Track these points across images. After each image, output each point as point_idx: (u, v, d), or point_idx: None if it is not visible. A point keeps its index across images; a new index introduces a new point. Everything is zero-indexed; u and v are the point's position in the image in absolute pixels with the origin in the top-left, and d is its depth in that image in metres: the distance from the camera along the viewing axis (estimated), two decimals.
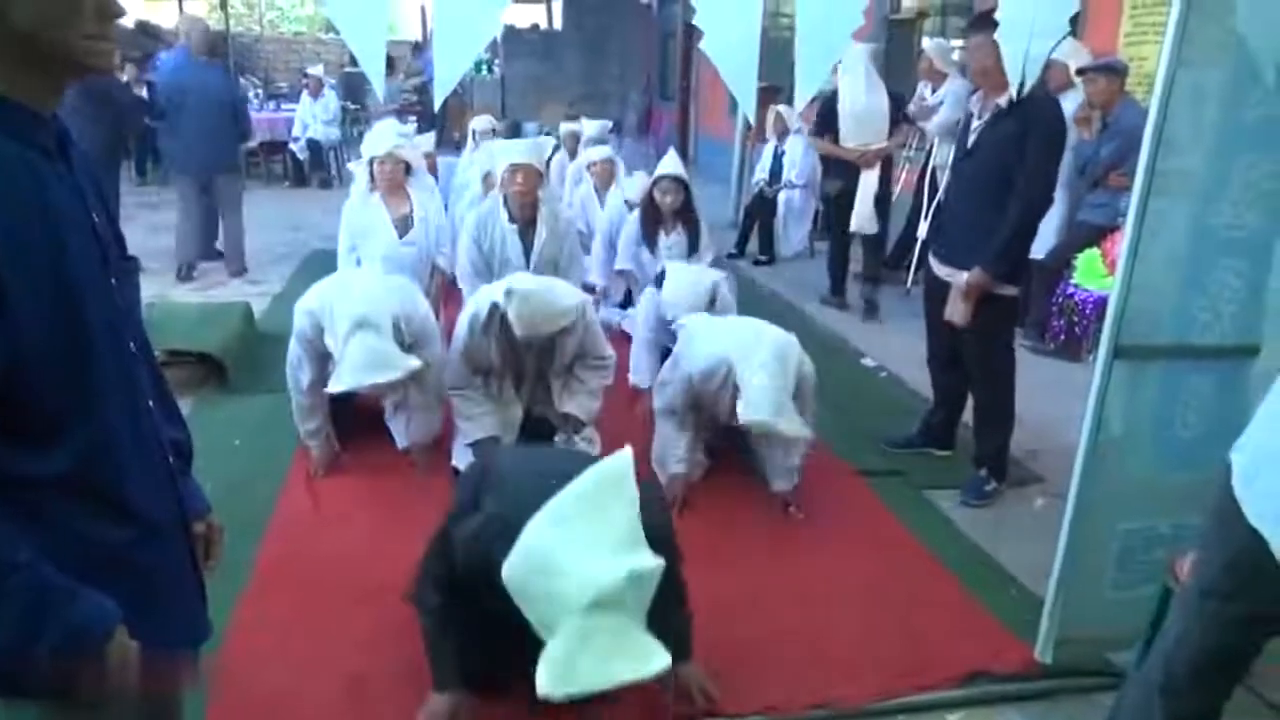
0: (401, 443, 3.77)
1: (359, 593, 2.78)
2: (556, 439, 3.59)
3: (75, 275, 1.12)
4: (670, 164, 4.85)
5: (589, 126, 7.21)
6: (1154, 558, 2.46)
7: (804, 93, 2.36)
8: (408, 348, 3.34)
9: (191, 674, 1.41)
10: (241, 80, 11.27)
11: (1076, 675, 2.55)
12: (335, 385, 3.19)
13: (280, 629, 2.63)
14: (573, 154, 7.31)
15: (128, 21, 9.18)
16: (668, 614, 2.22)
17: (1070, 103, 5.04)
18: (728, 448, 3.76)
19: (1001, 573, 3.08)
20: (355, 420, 3.88)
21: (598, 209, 5.86)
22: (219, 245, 6.84)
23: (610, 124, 7.68)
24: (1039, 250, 4.88)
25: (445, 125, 11.05)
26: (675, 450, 3.49)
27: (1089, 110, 5.02)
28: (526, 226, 4.27)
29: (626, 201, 5.44)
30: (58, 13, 1.08)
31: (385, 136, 4.49)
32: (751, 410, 3.01)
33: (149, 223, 6.82)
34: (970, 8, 6.95)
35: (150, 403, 1.31)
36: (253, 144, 10.65)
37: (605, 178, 5.98)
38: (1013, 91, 3.14)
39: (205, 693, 2.21)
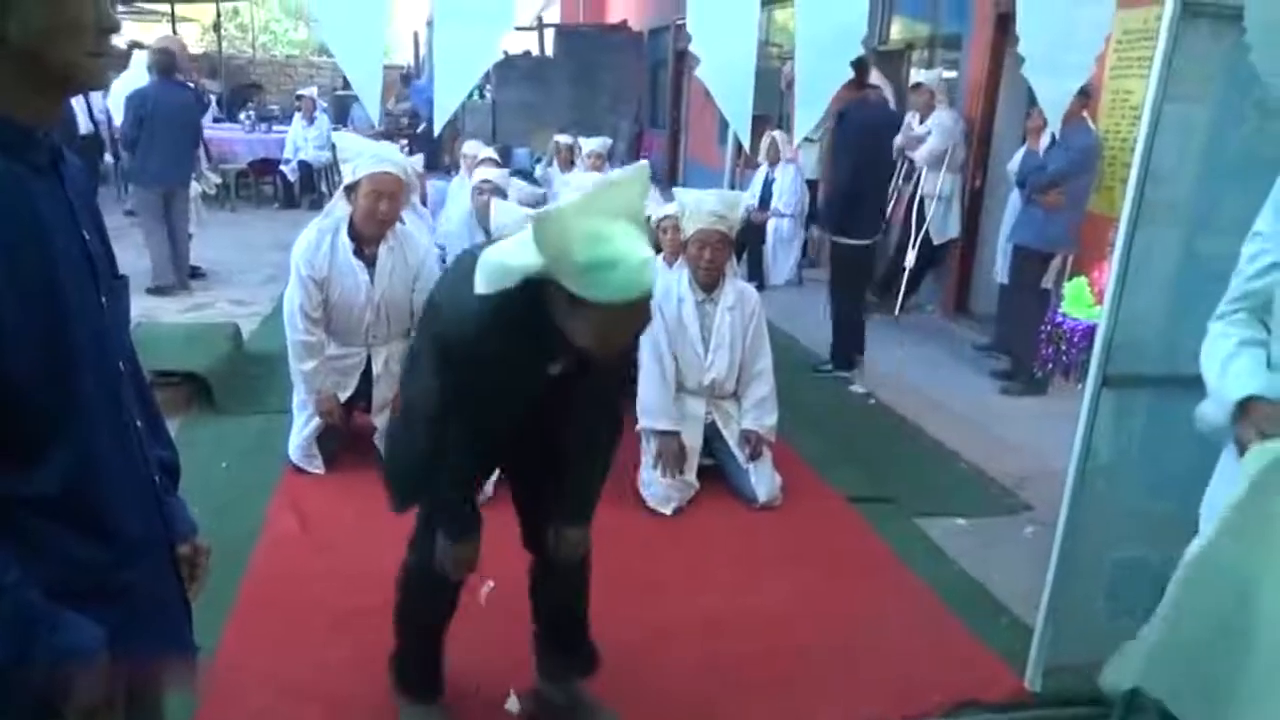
0: None
1: (344, 615, 2.75)
2: None
3: (63, 292, 1.11)
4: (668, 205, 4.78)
5: (587, 144, 7.23)
6: (1143, 586, 2.46)
7: (803, 123, 2.37)
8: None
9: (179, 680, 1.39)
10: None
11: (1067, 705, 2.54)
12: (349, 178, 3.53)
13: (265, 651, 2.60)
14: (566, 165, 7.33)
15: (120, 42, 9.22)
16: (595, 450, 2.23)
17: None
18: (713, 469, 3.77)
19: (992, 601, 3.08)
20: (344, 442, 3.86)
21: None
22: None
23: (609, 141, 7.71)
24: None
25: (439, 150, 11.08)
26: (664, 405, 3.63)
27: (1040, 121, 5.08)
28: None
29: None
30: (59, 29, 1.08)
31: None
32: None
33: (137, 240, 6.81)
34: (959, 39, 7.05)
35: (138, 422, 1.30)
36: (242, 165, 10.72)
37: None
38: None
39: (192, 706, 2.18)
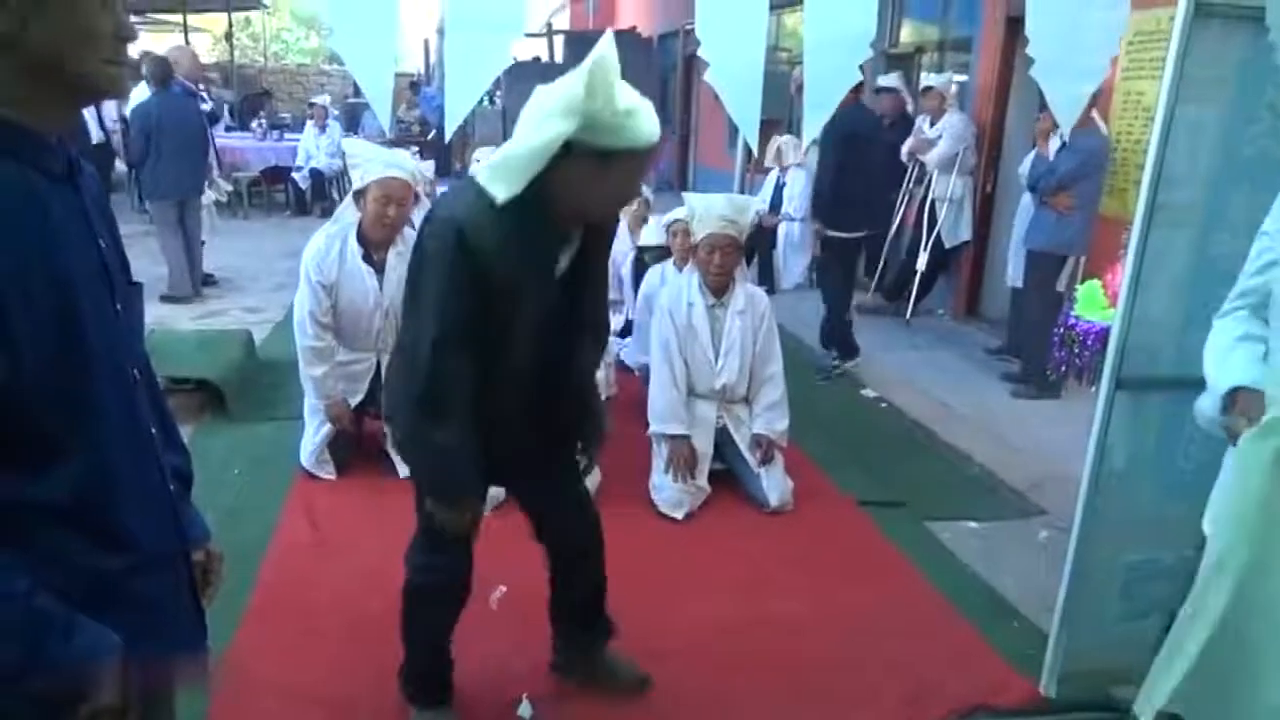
0: (402, 472, 3.76)
1: (355, 621, 2.76)
2: None
3: (78, 300, 1.11)
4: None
5: None
6: (1158, 590, 2.45)
7: (811, 126, 2.37)
8: None
9: (191, 680, 1.39)
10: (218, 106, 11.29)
11: (1080, 710, 2.53)
12: (358, 183, 3.55)
13: (276, 655, 2.60)
14: None
15: (133, 51, 9.30)
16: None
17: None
18: (724, 473, 3.77)
19: (1004, 605, 3.06)
20: (356, 448, 3.88)
21: (628, 243, 5.32)
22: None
23: None
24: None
25: (449, 156, 11.13)
26: (675, 410, 3.64)
27: (1049, 124, 5.07)
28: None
29: (640, 248, 5.20)
30: (78, 37, 1.08)
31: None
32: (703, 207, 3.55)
33: (151, 248, 6.87)
34: (969, 42, 7.03)
35: (152, 429, 1.30)
36: (254, 173, 10.78)
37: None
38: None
39: (203, 709, 2.20)
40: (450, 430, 1.97)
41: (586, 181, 1.87)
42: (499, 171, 1.88)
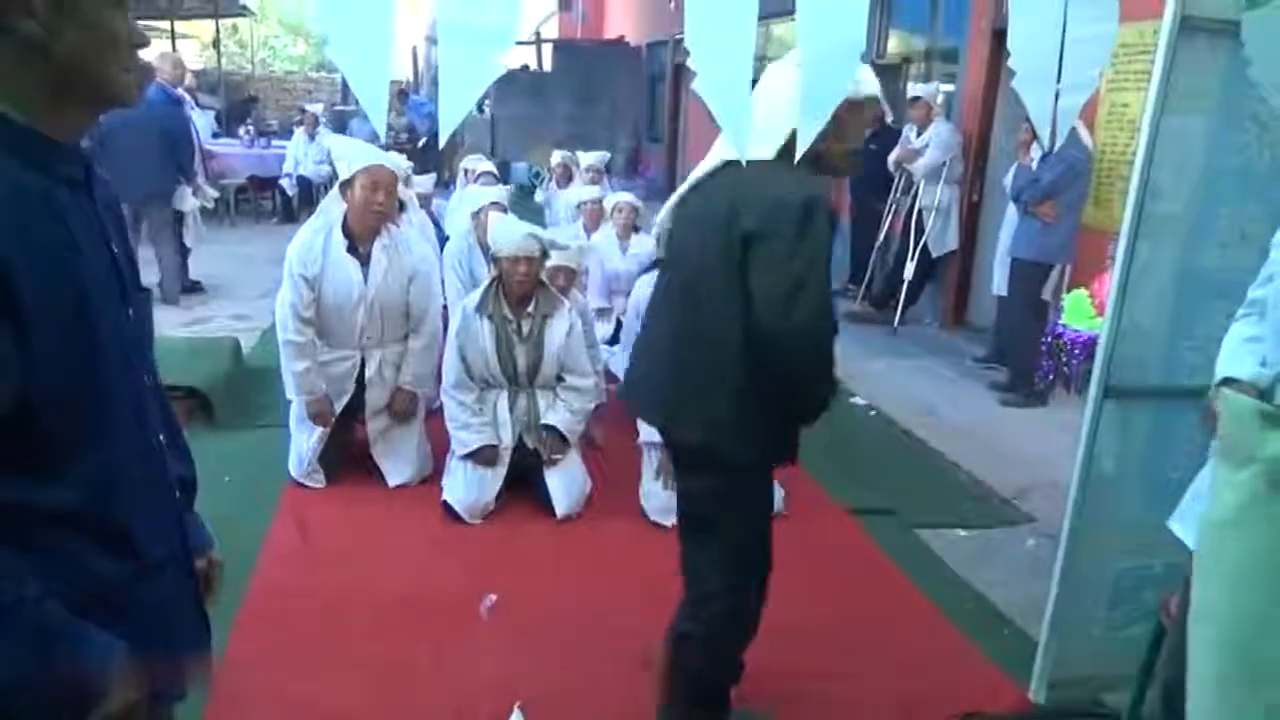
0: (391, 481, 3.76)
1: (345, 630, 2.75)
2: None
3: (92, 307, 1.11)
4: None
5: (585, 158, 7.28)
6: (1147, 597, 2.47)
7: (805, 138, 2.37)
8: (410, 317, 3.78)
9: (193, 680, 1.39)
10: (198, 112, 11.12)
11: (1070, 716, 2.54)
12: (344, 174, 3.56)
13: (266, 666, 2.59)
14: (562, 184, 7.43)
15: None
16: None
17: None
18: None
19: (994, 613, 3.08)
20: (344, 458, 3.86)
21: (616, 251, 5.50)
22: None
23: (607, 155, 7.67)
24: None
25: (440, 164, 11.14)
26: None
27: (1029, 135, 5.13)
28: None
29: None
30: (102, 44, 1.08)
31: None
32: None
33: (142, 256, 6.86)
34: (956, 53, 7.10)
35: (160, 437, 1.30)
36: (241, 180, 10.73)
37: (595, 219, 5.89)
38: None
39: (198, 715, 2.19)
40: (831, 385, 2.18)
41: (824, 135, 2.04)
42: (761, 137, 2.06)
